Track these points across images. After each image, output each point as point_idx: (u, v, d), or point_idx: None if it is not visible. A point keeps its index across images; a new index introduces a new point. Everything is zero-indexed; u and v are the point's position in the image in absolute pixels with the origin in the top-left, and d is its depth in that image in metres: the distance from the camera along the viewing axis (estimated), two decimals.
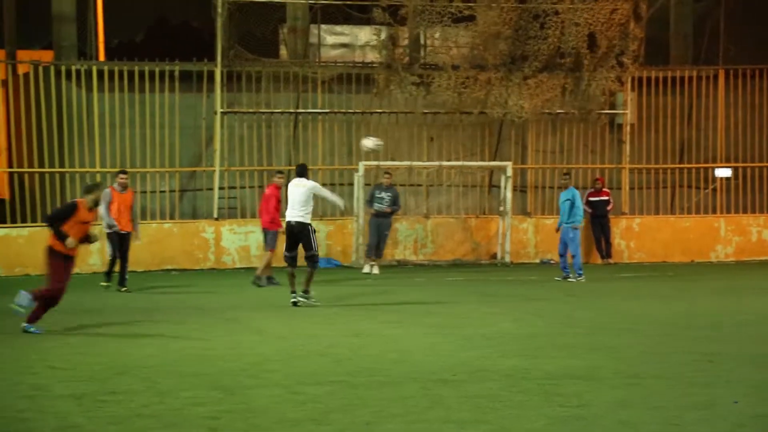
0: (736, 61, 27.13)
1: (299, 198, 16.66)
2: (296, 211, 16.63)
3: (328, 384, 10.32)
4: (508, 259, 24.84)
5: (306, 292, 16.68)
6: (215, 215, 24.56)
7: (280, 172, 21.36)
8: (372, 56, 25.78)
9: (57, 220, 13.70)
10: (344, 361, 11.73)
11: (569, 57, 25.55)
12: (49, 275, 13.75)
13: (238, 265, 24.15)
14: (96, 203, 14.29)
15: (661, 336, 13.62)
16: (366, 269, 22.83)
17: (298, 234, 16.61)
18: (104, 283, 19.44)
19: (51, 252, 13.71)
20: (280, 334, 13.89)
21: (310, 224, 16.66)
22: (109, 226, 19.17)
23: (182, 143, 24.88)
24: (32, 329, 13.67)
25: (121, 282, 19.21)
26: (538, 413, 8.93)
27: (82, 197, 14.23)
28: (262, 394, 9.86)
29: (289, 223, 16.69)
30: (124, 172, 19.92)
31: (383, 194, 23.09)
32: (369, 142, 19.35)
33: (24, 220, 23.70)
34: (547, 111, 25.87)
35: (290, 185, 17.09)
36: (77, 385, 10.35)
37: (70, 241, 13.56)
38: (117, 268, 19.39)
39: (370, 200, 23.16)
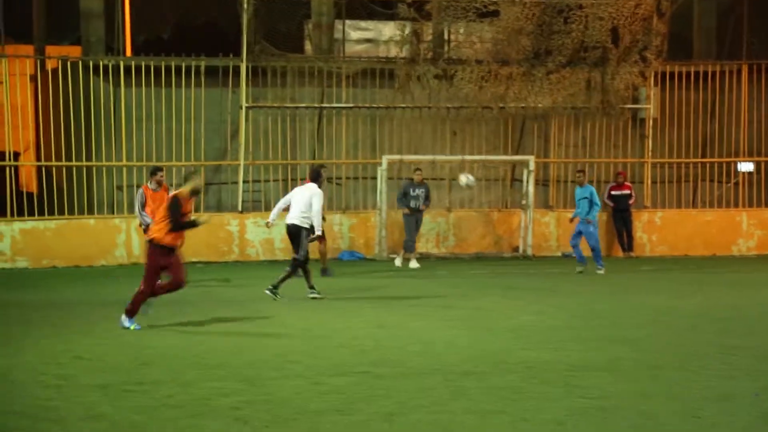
0: (759, 56, 27.12)
1: (301, 201, 16.80)
2: (295, 213, 16.81)
3: (351, 375, 10.44)
4: (530, 252, 24.97)
5: (275, 287, 16.70)
6: (240, 208, 24.80)
7: (323, 166, 21.60)
8: (395, 51, 25.94)
9: (178, 219, 13.48)
10: (367, 352, 11.83)
11: (593, 51, 25.63)
12: (149, 267, 13.63)
13: (261, 258, 24.38)
14: (195, 192, 13.96)
15: (682, 328, 13.68)
16: (412, 264, 22.86)
17: (293, 236, 16.84)
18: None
19: (154, 244, 13.53)
20: (304, 326, 13.98)
21: (304, 228, 16.74)
22: (145, 225, 18.42)
23: (207, 137, 25.11)
24: (133, 326, 13.52)
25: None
26: (559, 404, 9.02)
27: (182, 186, 13.91)
28: (285, 385, 9.95)
29: (287, 224, 16.92)
30: (160, 169, 19.23)
31: (417, 191, 23.23)
32: (464, 179, 19.84)
33: (51, 213, 23.97)
34: (569, 105, 25.99)
35: (299, 186, 17.36)
36: (103, 375, 10.49)
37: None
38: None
39: (404, 197, 23.20)
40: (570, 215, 22.36)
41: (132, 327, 13.47)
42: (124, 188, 24.63)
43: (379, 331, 13.49)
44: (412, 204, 23.10)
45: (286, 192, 25.19)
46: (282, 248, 24.07)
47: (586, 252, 21.76)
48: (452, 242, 25.37)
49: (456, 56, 25.80)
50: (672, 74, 26.58)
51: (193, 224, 13.84)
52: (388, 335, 13.18)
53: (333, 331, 13.49)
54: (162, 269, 13.68)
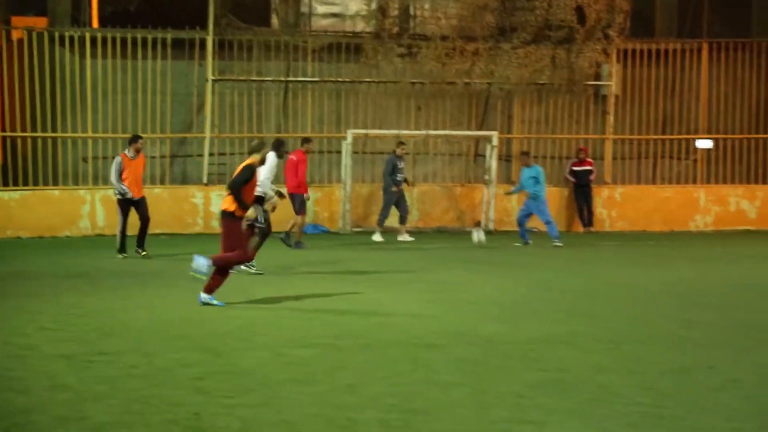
0: (719, 35, 27.49)
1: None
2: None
3: (314, 347, 10.51)
4: (492, 226, 25.24)
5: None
6: (205, 181, 24.92)
7: (307, 139, 21.81)
8: (362, 26, 26.08)
9: (240, 185, 13.24)
10: (330, 324, 11.89)
11: (558, 29, 25.88)
12: (233, 242, 13.27)
13: None
14: (263, 162, 13.88)
15: (640, 303, 13.89)
16: (406, 237, 23.14)
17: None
18: (120, 255, 18.89)
19: (232, 217, 13.24)
20: (268, 298, 14.01)
21: (259, 197, 16.32)
22: (121, 194, 18.79)
23: (173, 110, 25.20)
24: (214, 301, 13.17)
25: (140, 245, 19.00)
26: (519, 377, 9.14)
27: (251, 156, 13.66)
28: (248, 356, 10.01)
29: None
30: (141, 138, 19.60)
31: (402, 164, 23.44)
32: (476, 236, 20.42)
33: (16, 184, 23.99)
34: (533, 82, 26.26)
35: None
36: (67, 345, 10.52)
37: (251, 211, 13.41)
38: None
39: (393, 172, 23.26)
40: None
41: (215, 302, 13.13)
42: (90, 160, 24.67)
43: (343, 304, 13.59)
44: (399, 178, 23.23)
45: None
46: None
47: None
48: (416, 216, 25.59)
49: (421, 32, 25.97)
50: (634, 52, 26.90)
51: (260, 200, 13.74)
52: (351, 308, 13.29)
53: (297, 303, 13.56)
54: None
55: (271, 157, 17.29)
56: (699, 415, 7.87)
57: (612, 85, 26.58)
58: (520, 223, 22.21)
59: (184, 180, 25.52)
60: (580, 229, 25.93)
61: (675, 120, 27.43)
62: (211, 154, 25.09)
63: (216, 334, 11.20)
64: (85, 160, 24.75)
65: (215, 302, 13.15)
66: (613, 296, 14.53)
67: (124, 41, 24.53)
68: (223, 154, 25.44)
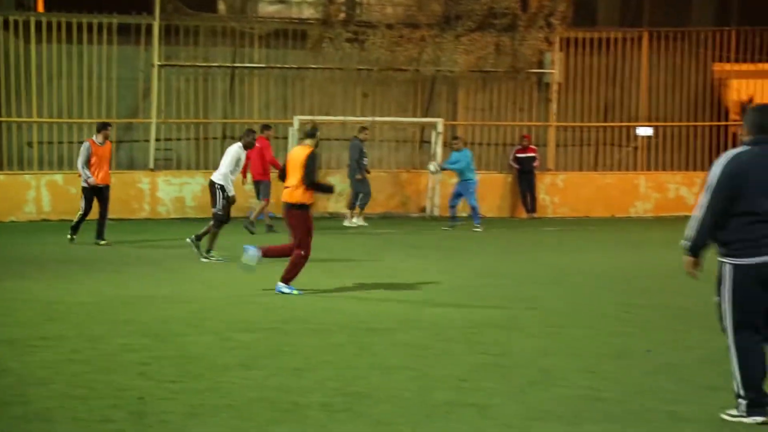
0: (659, 24, 27.86)
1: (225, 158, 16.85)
2: (218, 169, 16.86)
3: (259, 331, 10.58)
4: (437, 212, 25.46)
5: (197, 237, 16.52)
6: (151, 166, 24.90)
7: (267, 126, 21.86)
8: (308, 12, 26.14)
9: (315, 175, 13.06)
10: (276, 309, 11.96)
11: (502, 17, 26.11)
12: (302, 232, 13.07)
13: (172, 216, 24.52)
14: (317, 146, 13.49)
15: (582, 287, 14.09)
16: (359, 222, 23.26)
17: (210, 192, 16.78)
18: (71, 236, 18.78)
19: (305, 208, 13.08)
20: (215, 283, 14.06)
21: (218, 185, 16.52)
22: (86, 180, 18.63)
23: (120, 95, 25.12)
24: (295, 291, 13.06)
25: (100, 235, 18.77)
26: (461, 360, 9.27)
27: (307, 141, 13.43)
28: (194, 341, 10.04)
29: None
30: (110, 125, 19.37)
31: (366, 150, 23.58)
32: (433, 167, 20.63)
33: None
34: (478, 69, 26.48)
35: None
36: (10, 330, 10.51)
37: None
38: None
39: (360, 158, 23.36)
40: (478, 177, 23.11)
41: (295, 292, 13.03)
42: (35, 144, 24.56)
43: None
44: (365, 163, 23.32)
45: (198, 150, 25.55)
46: (193, 206, 24.35)
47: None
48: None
49: (368, 19, 26.08)
50: (576, 40, 27.18)
51: (329, 189, 13.79)
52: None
53: (244, 288, 13.58)
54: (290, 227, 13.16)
55: (233, 148, 16.96)
56: (637, 397, 8.03)
57: (555, 72, 26.86)
58: (452, 205, 22.66)
59: (131, 165, 25.47)
60: (524, 215, 26.21)
61: (616, 108, 27.79)
62: (157, 140, 25.07)
63: (162, 320, 11.23)
64: (30, 144, 24.63)
65: (295, 292, 13.03)
66: (554, 281, 14.71)
67: (69, 26, 24.40)
68: (170, 139, 25.43)
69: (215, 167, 24.91)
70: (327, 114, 25.81)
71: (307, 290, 13.58)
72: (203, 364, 9.03)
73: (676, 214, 26.52)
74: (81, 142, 24.22)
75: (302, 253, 13.10)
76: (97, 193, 18.86)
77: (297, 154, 13.29)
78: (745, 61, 27.92)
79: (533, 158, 26.12)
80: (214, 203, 16.63)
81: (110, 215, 23.33)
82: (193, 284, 14.03)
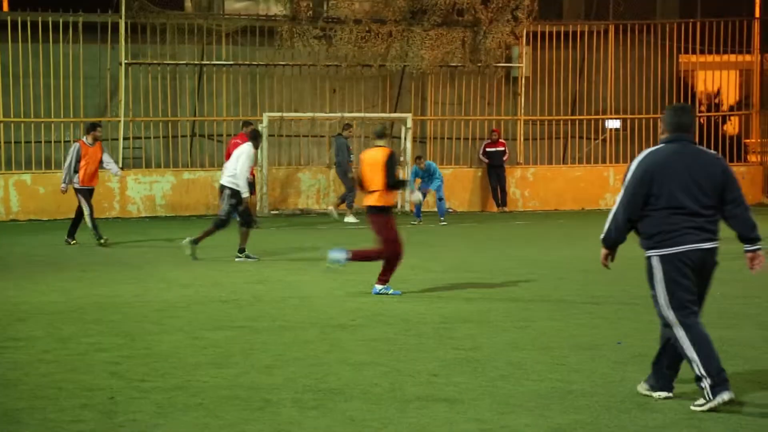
0: (625, 17, 28.03)
1: (232, 160, 16.55)
2: (225, 173, 16.60)
3: (229, 329, 10.58)
4: (408, 208, 25.49)
5: (195, 241, 16.40)
6: (120, 165, 24.77)
7: (249, 123, 21.84)
8: (276, 9, 26.12)
9: (397, 176, 12.94)
10: (247, 307, 11.99)
11: (467, 12, 26.20)
12: (390, 233, 12.79)
13: (143, 214, 24.50)
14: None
15: (552, 280, 14.16)
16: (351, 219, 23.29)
17: (220, 195, 16.63)
18: (97, 239, 18.43)
19: (389, 210, 12.88)
20: (186, 282, 14.05)
21: (228, 188, 16.32)
22: (63, 184, 18.43)
23: (87, 94, 25.02)
24: (391, 291, 12.88)
25: (71, 234, 18.63)
26: (432, 356, 9.29)
27: (377, 141, 13.18)
28: (164, 340, 10.02)
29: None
30: (99, 125, 19.16)
31: (351, 147, 23.64)
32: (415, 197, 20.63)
33: None
34: (446, 64, 26.54)
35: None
36: None
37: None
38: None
39: (348, 155, 23.36)
40: (448, 172, 23.27)
41: (390, 292, 12.86)
42: (1, 144, 24.43)
43: (260, 286, 13.69)
44: (352, 159, 23.33)
45: (167, 149, 25.48)
46: (163, 204, 24.31)
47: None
48: (332, 198, 25.76)
49: (335, 15, 26.09)
50: (543, 34, 27.29)
51: (404, 184, 13.89)
52: (268, 290, 13.40)
53: (215, 286, 13.62)
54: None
55: (248, 147, 16.53)
56: (607, 389, 8.09)
57: (522, 66, 26.97)
58: (417, 206, 23.08)
59: (100, 164, 25.30)
60: (494, 208, 26.32)
61: (584, 100, 27.93)
62: (125, 138, 24.99)
63: (132, 319, 11.22)
64: None
65: (390, 291, 12.90)
66: (525, 274, 14.77)
67: (35, 25, 24.28)
68: (138, 137, 25.35)
69: (185, 165, 25.17)
70: (296, 110, 25.84)
71: (279, 287, 13.63)
72: (174, 363, 9.02)
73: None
74: (49, 142, 24.37)
75: (394, 252, 12.84)
76: (90, 194, 18.58)
77: (374, 157, 12.98)
78: (710, 52, 28.12)
79: (503, 152, 26.22)
80: (222, 205, 16.48)
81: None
82: (163, 283, 14.01)
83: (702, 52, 28.16)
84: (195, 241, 16.35)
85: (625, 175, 7.82)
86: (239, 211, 16.31)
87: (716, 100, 29.23)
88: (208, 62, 25.75)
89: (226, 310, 11.80)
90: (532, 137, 27.66)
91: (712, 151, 8.53)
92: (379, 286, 12.92)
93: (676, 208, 7.59)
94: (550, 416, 7.34)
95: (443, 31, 26.12)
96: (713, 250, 7.65)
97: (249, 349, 9.61)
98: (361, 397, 7.89)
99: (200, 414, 7.43)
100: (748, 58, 28.67)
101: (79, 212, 18.68)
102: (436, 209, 23.12)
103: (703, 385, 7.46)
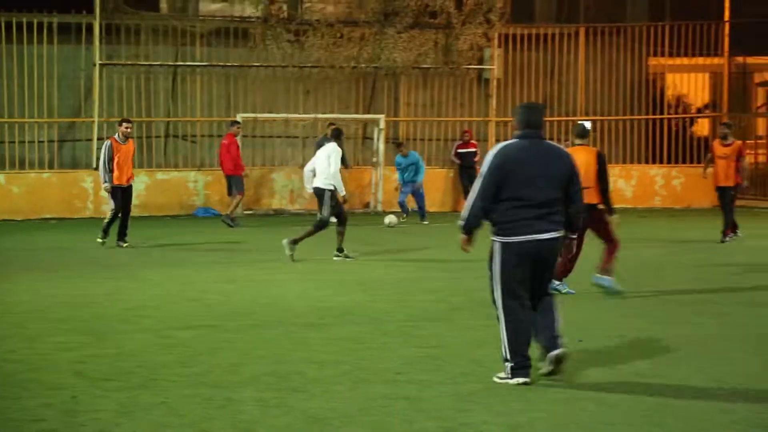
0: (595, 20, 28.28)
1: (322, 162, 16.48)
2: (318, 175, 16.54)
3: (197, 328, 10.64)
4: (380, 207, 25.70)
5: (294, 242, 16.39)
6: (94, 165, 24.82)
7: (236, 122, 21.96)
8: (250, 11, 26.23)
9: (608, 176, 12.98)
10: (215, 306, 12.05)
11: (439, 14, 26.39)
12: (608, 229, 13.00)
13: None
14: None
15: None
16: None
17: (318, 198, 16.66)
18: (102, 239, 18.40)
19: (599, 209, 12.92)
20: (157, 281, 14.10)
21: (327, 190, 16.37)
22: (103, 184, 18.29)
23: (61, 94, 25.07)
24: (564, 289, 12.82)
25: (122, 237, 18.37)
26: (397, 354, 9.40)
27: (576, 141, 13.35)
28: (131, 339, 10.05)
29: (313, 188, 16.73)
30: (128, 121, 18.72)
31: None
32: (387, 220, 20.82)
33: None
34: (418, 66, 26.71)
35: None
36: None
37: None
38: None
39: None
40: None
41: (564, 290, 12.81)
42: None
43: (230, 286, 13.76)
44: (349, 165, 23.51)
45: (141, 149, 25.52)
46: (137, 204, 24.24)
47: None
48: (306, 199, 25.84)
49: (309, 18, 26.22)
50: (515, 36, 27.50)
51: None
52: (238, 289, 13.47)
53: (185, 285, 13.68)
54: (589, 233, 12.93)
55: (334, 147, 16.51)
56: (568, 386, 8.22)
57: (494, 68, 27.16)
58: (402, 204, 23.31)
59: (74, 164, 25.46)
60: None
61: (555, 102, 28.11)
62: (99, 139, 24.99)
63: (101, 318, 11.24)
64: None
65: (564, 290, 12.83)
66: None
67: (9, 25, 24.33)
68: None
69: (158, 166, 25.24)
70: (270, 111, 25.94)
71: (249, 287, 13.69)
72: (140, 362, 9.05)
73: (614, 207, 26.89)
74: (23, 142, 24.41)
75: (617, 245, 13.00)
76: (122, 192, 18.35)
77: (580, 158, 12.23)
78: (679, 55, 28.38)
79: (474, 153, 26.38)
80: (320, 209, 16.47)
81: (52, 214, 23.57)
82: (133, 282, 14.04)
83: (671, 54, 28.42)
84: (294, 242, 16.32)
85: (482, 166, 8.29)
86: (335, 212, 16.41)
87: (685, 101, 29.52)
88: (182, 63, 25.83)
89: (195, 310, 11.85)
90: (503, 138, 27.71)
91: (561, 146, 8.83)
92: (602, 278, 12.89)
93: (520, 200, 8.09)
94: (508, 413, 7.44)
95: (416, 33, 26.30)
96: (552, 240, 8.19)
97: (216, 348, 9.67)
98: (323, 395, 7.97)
99: (162, 413, 7.48)
100: (717, 60, 28.93)
101: (127, 212, 18.45)
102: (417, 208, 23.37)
103: (506, 365, 8.20)
